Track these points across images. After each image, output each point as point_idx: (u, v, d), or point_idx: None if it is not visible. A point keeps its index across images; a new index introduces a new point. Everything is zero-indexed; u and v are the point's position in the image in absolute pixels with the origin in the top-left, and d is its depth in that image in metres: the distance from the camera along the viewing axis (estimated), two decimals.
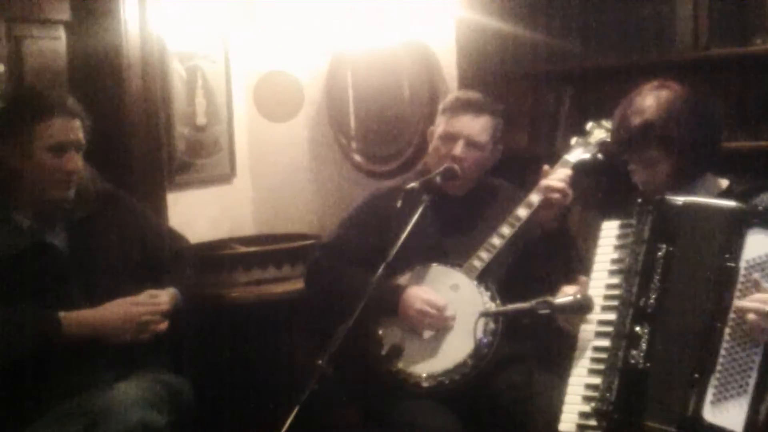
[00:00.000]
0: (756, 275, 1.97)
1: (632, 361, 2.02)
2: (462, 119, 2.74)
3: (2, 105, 2.62)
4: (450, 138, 2.73)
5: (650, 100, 2.23)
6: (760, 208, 2.09)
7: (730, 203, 2.10)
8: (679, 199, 2.14)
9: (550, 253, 2.61)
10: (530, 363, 2.59)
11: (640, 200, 2.19)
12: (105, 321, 2.50)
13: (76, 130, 2.56)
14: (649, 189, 2.26)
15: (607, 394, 2.04)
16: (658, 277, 2.07)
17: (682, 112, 2.21)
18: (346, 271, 2.74)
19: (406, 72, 3.62)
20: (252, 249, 3.59)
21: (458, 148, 2.71)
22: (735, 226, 2.01)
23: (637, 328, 2.05)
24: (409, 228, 2.48)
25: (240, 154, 4.04)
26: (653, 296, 2.06)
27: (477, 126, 2.74)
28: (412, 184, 2.60)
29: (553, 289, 2.30)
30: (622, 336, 2.07)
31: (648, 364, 2.01)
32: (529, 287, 2.44)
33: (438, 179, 2.63)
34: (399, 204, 2.55)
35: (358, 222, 2.85)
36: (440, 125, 2.79)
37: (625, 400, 2.01)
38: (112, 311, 2.52)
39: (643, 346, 2.03)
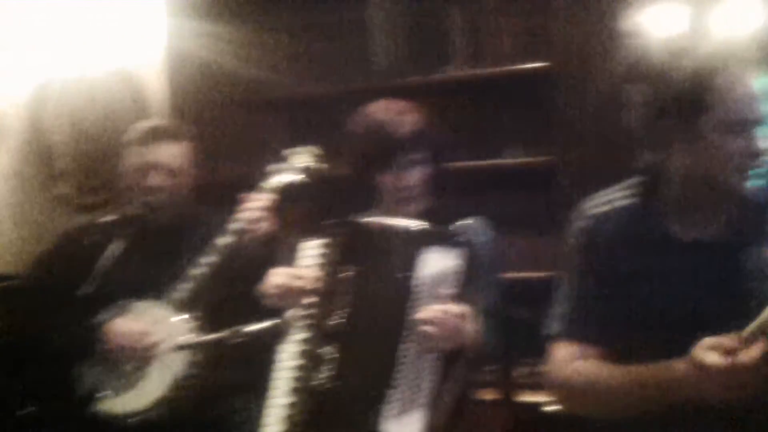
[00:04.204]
0: (430, 291, 2.05)
1: (318, 382, 2.06)
2: (155, 149, 2.69)
3: None
4: (145, 169, 2.68)
5: (409, 110, 2.28)
6: (436, 228, 2.15)
7: (411, 223, 2.17)
8: (364, 220, 2.22)
9: (259, 280, 2.62)
10: (252, 391, 2.59)
11: (328, 222, 2.23)
12: None
13: None
14: (403, 195, 2.28)
15: (297, 416, 2.06)
16: (346, 298, 2.12)
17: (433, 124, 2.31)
18: (37, 313, 2.59)
19: (115, 102, 3.53)
20: None
21: (156, 179, 2.66)
22: (411, 245, 2.10)
23: (323, 349, 2.09)
24: (106, 264, 2.40)
25: None
26: (339, 317, 2.11)
27: (171, 153, 2.70)
28: (107, 218, 2.52)
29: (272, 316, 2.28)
30: (308, 357, 2.10)
31: (335, 384, 2.05)
32: (244, 315, 2.43)
33: (137, 212, 2.57)
34: (93, 239, 2.46)
35: (50, 261, 2.71)
36: (132, 157, 2.72)
37: (314, 421, 2.04)
38: None
39: (330, 366, 2.07)
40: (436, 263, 2.07)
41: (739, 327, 1.57)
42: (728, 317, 1.62)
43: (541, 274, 2.93)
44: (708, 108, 1.68)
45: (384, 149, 2.26)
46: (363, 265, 2.15)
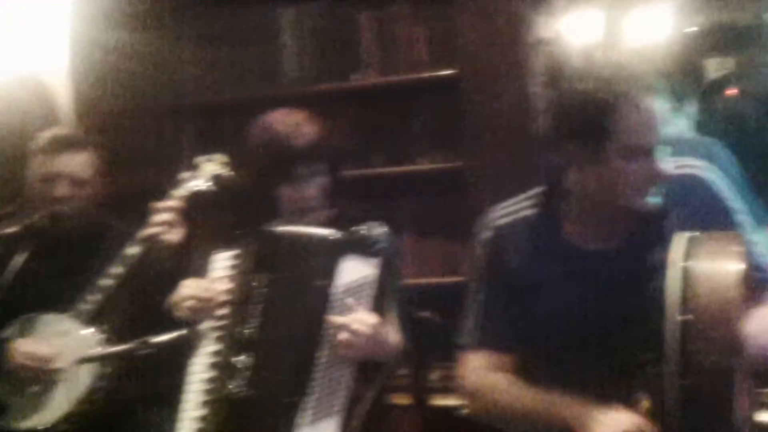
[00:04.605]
0: (349, 299, 2.06)
1: (233, 391, 2.05)
2: (61, 158, 2.64)
3: None
4: (51, 179, 2.63)
5: (306, 122, 2.26)
6: (353, 236, 2.14)
7: (327, 232, 2.16)
8: (279, 229, 2.21)
9: (169, 291, 2.59)
10: (163, 402, 2.55)
11: (241, 231, 2.22)
12: None
13: None
14: (302, 206, 2.27)
15: (211, 426, 2.05)
16: (260, 306, 2.11)
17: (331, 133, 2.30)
18: None
19: (22, 109, 3.45)
20: None
21: (62, 189, 2.61)
22: (329, 253, 2.10)
23: (237, 358, 2.08)
24: (9, 277, 2.35)
25: None
26: (254, 326, 2.10)
27: (77, 162, 2.66)
28: (10, 229, 2.46)
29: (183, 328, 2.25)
30: (221, 367, 2.09)
31: (250, 393, 2.04)
32: (156, 324, 2.39)
33: (42, 222, 2.52)
34: None
35: None
36: (38, 167, 2.67)
37: (228, 431, 2.03)
38: None
39: (245, 375, 2.06)
40: (354, 271, 2.08)
41: (642, 330, 1.63)
42: (630, 322, 1.70)
43: (454, 279, 2.98)
44: (611, 135, 1.72)
45: (281, 163, 2.24)
46: (278, 274, 2.14)
